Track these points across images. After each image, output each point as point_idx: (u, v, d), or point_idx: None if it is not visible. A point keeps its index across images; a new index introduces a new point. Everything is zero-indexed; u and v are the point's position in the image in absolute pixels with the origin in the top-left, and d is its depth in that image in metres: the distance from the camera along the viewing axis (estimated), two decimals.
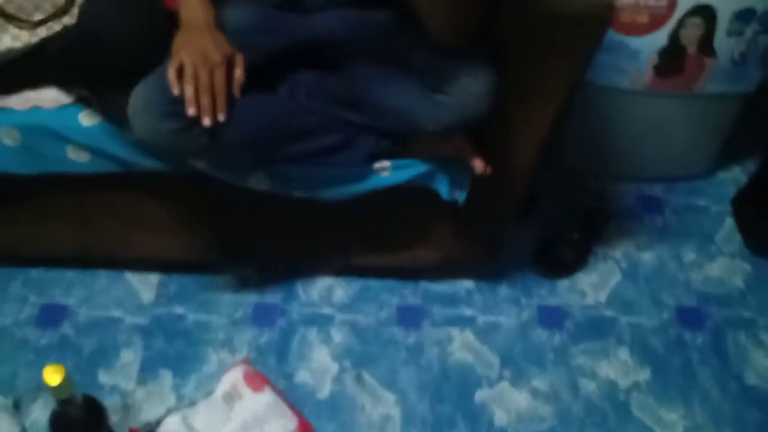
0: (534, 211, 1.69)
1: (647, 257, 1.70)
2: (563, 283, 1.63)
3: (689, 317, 1.58)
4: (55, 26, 1.20)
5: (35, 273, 1.55)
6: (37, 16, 1.19)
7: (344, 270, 1.59)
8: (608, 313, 1.58)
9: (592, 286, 1.63)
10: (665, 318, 1.58)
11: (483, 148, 1.27)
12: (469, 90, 1.12)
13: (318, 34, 1.24)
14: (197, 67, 1.06)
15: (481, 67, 1.13)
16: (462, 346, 1.50)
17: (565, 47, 1.15)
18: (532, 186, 1.43)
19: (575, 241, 1.64)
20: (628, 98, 1.64)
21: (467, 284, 1.61)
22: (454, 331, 1.52)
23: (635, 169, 1.84)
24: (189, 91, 1.05)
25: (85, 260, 1.54)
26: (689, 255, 1.71)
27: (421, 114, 1.16)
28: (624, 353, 1.51)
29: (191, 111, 1.06)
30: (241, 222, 1.45)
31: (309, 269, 1.60)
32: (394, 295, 1.57)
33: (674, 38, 1.51)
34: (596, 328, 1.55)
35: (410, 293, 1.58)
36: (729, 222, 1.79)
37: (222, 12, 1.17)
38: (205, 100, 1.06)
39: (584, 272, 1.65)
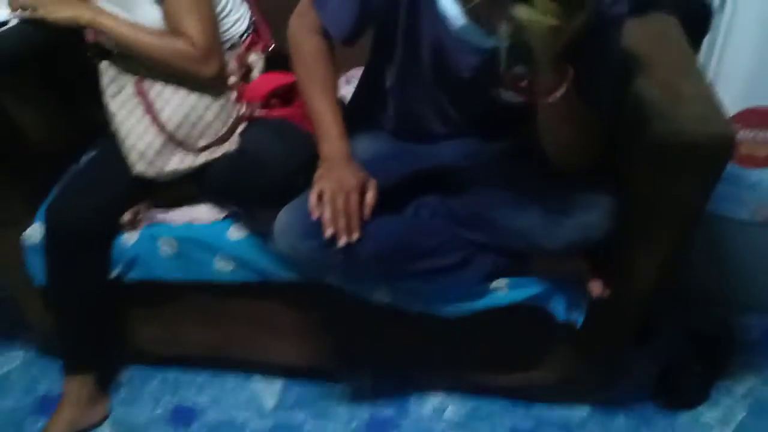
0: (654, 339, 1.67)
1: None
2: (684, 416, 1.57)
3: None
4: (217, 151, 1.36)
5: (171, 373, 1.68)
6: (201, 143, 1.36)
7: (456, 386, 1.62)
8: None
9: (716, 421, 1.56)
10: None
11: (601, 270, 1.30)
12: (590, 212, 1.17)
13: (441, 161, 1.35)
14: (335, 193, 1.18)
15: (601, 190, 1.18)
16: None
17: (685, 178, 1.18)
18: (651, 311, 1.43)
19: (698, 372, 1.60)
20: (749, 229, 1.63)
21: (582, 410, 1.58)
22: None
23: (760, 299, 1.78)
24: (327, 214, 1.17)
25: (217, 361, 1.65)
26: None
27: (541, 234, 1.21)
28: None
29: (329, 232, 1.16)
30: (360, 332, 1.52)
31: (421, 383, 1.63)
32: (506, 416, 1.57)
33: None
34: None
35: (523, 415, 1.57)
36: None
37: (356, 144, 1.30)
38: (341, 222, 1.17)
39: (707, 406, 1.59)
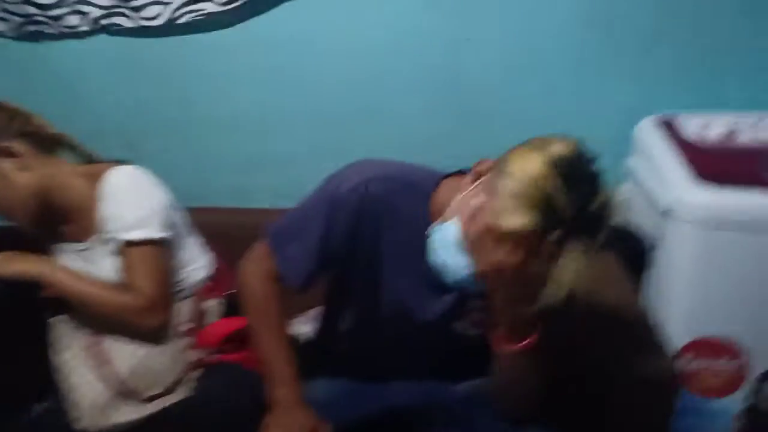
0: None
1: None
2: None
3: None
4: (165, 401, 1.34)
5: None
6: (150, 393, 1.33)
7: None
8: None
9: None
10: None
11: None
12: None
13: (398, 402, 1.32)
14: None
15: None
16: None
17: (637, 414, 1.20)
18: None
19: None
20: None
21: None
22: None
23: None
24: None
25: None
26: None
27: None
28: None
29: None
30: None
31: None
32: None
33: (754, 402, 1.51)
34: None
35: None
36: None
37: (310, 387, 1.27)
38: None
39: None
